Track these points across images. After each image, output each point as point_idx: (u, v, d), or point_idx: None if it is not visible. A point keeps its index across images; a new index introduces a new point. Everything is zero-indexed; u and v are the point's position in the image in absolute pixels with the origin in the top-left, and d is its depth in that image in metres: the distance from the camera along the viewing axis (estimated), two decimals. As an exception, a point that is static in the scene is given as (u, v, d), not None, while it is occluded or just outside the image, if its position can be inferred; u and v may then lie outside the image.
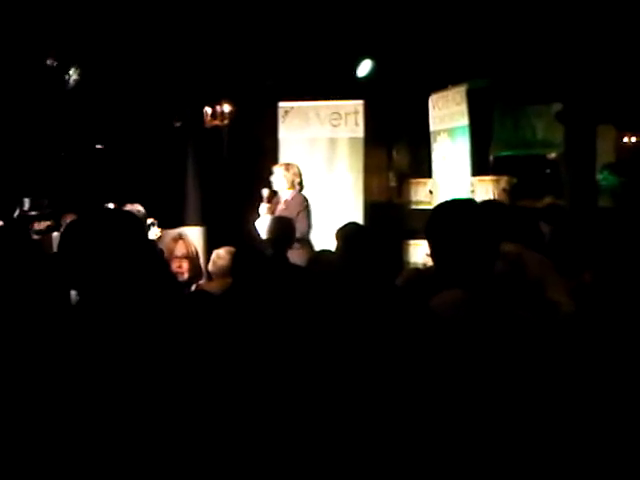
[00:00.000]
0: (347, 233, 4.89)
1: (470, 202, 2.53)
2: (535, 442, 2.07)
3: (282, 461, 2.11)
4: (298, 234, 7.27)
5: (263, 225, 7.44)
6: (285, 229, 6.50)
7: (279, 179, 7.71)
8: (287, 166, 7.84)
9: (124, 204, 6.43)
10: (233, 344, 2.37)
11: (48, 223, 6.15)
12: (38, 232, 6.10)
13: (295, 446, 2.13)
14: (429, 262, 2.51)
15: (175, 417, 2.05)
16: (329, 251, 4.67)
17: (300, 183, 7.77)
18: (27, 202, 6.34)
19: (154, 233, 6.59)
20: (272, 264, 5.76)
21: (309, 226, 7.51)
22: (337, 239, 4.94)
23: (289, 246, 6.43)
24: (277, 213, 7.60)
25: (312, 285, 3.28)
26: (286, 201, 7.67)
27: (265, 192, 7.72)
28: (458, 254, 2.31)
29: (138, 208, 6.50)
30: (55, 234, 6.10)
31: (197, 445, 2.05)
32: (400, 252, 9.12)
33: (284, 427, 2.16)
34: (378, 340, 2.22)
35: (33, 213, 6.28)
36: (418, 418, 2.07)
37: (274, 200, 7.72)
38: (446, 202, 2.47)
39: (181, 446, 2.04)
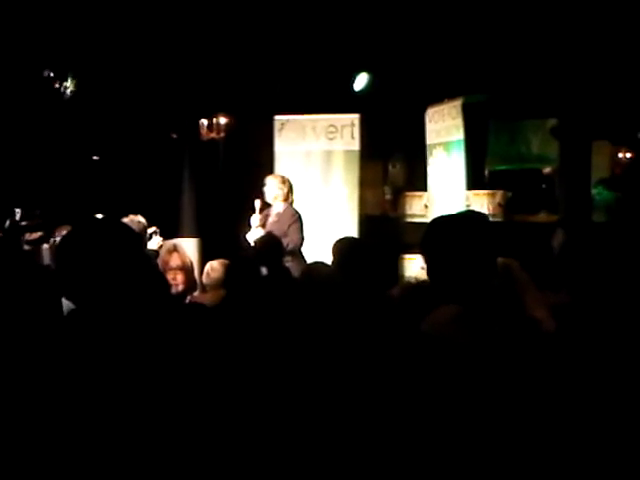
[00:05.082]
0: (343, 247, 4.89)
1: (466, 216, 2.50)
2: (530, 458, 2.06)
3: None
4: (290, 247, 7.25)
5: (255, 237, 7.43)
6: (272, 244, 6.48)
7: (272, 190, 7.67)
8: (282, 178, 7.81)
9: (125, 215, 6.40)
10: (226, 356, 2.36)
11: (40, 234, 6.12)
12: (29, 243, 6.08)
13: (285, 459, 2.13)
14: (424, 276, 2.49)
15: (168, 428, 2.05)
16: (322, 263, 4.66)
17: (292, 196, 7.76)
18: (18, 212, 6.32)
19: (156, 242, 6.54)
20: (265, 277, 5.78)
21: (301, 239, 7.48)
22: (333, 253, 4.94)
23: (280, 260, 6.41)
24: (268, 225, 7.55)
25: (306, 297, 3.28)
26: (278, 213, 7.63)
27: (257, 203, 7.68)
28: (454, 269, 2.30)
29: (139, 219, 6.48)
30: (45, 246, 6.08)
31: (189, 460, 2.04)
32: (397, 266, 9.15)
33: (276, 439, 2.16)
34: (372, 353, 2.22)
35: (24, 223, 6.25)
36: (410, 428, 2.06)
37: (264, 212, 7.69)
38: (442, 217, 2.45)
39: (173, 461, 2.03)
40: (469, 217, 2.46)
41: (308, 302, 2.98)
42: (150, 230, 6.57)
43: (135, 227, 5.98)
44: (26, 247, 5.99)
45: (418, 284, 3.06)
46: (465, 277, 2.29)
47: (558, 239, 6.40)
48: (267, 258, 6.16)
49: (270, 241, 6.57)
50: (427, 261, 2.35)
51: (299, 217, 7.58)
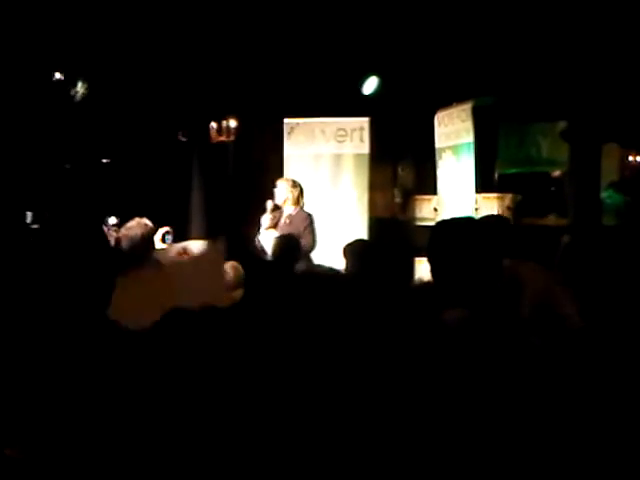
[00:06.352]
0: (355, 249, 4.88)
1: (470, 220, 2.50)
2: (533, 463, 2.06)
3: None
4: (306, 249, 7.25)
5: (266, 238, 7.43)
6: (291, 247, 6.49)
7: (282, 193, 7.69)
8: (293, 182, 7.83)
9: (132, 218, 6.41)
10: (239, 358, 2.37)
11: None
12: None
13: (299, 457, 2.13)
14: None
15: (173, 432, 2.06)
16: (321, 266, 4.66)
17: (302, 201, 7.77)
18: (29, 215, 6.35)
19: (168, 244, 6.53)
20: (283, 278, 5.78)
21: (314, 243, 7.50)
22: (345, 255, 4.93)
23: (295, 263, 6.41)
24: (280, 228, 7.57)
25: (306, 297, 3.26)
26: (290, 216, 7.64)
27: (269, 204, 7.71)
28: (459, 273, 2.30)
29: (145, 222, 6.49)
30: None
31: (200, 462, 2.05)
32: (412, 267, 9.11)
33: (291, 437, 2.16)
34: (386, 351, 2.22)
35: (35, 226, 6.27)
36: (419, 427, 2.06)
37: (274, 214, 7.70)
38: (446, 221, 2.45)
39: (180, 460, 2.04)
40: (473, 220, 2.47)
41: (308, 302, 2.97)
42: (162, 230, 6.57)
43: (142, 230, 5.99)
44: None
45: (422, 286, 3.06)
46: (470, 280, 2.29)
47: (564, 243, 6.39)
48: (287, 260, 6.17)
49: (290, 243, 6.55)
50: (432, 265, 2.35)
51: (312, 220, 7.60)
